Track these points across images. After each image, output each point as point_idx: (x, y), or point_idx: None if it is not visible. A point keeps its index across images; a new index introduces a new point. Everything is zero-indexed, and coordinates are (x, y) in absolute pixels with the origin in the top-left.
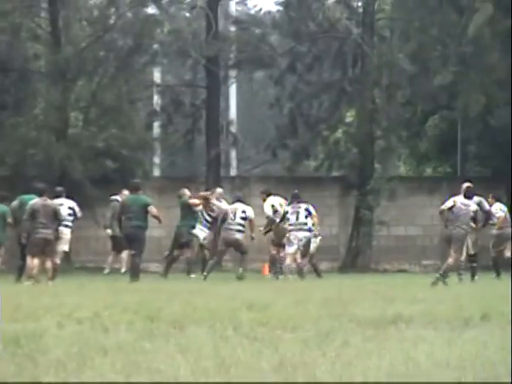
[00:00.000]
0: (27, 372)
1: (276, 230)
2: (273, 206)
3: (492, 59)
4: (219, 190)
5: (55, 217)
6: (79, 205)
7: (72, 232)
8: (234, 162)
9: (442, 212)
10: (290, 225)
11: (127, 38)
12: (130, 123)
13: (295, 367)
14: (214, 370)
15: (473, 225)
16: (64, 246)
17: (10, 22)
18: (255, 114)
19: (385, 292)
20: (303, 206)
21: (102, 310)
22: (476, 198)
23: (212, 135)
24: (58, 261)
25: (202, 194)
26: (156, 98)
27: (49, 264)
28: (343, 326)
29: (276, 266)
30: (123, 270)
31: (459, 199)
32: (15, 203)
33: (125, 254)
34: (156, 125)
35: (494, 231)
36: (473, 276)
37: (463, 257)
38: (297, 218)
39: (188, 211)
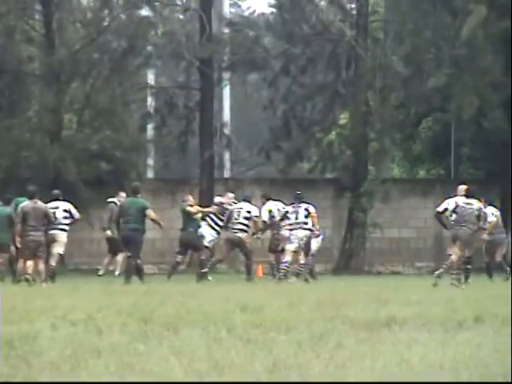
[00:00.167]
0: (21, 374)
1: (271, 237)
2: (270, 211)
3: (485, 61)
4: (230, 195)
5: (46, 219)
6: (75, 206)
7: (68, 235)
8: (227, 164)
9: (437, 214)
10: (290, 224)
11: (121, 40)
12: (123, 125)
13: (289, 369)
14: (207, 371)
15: (482, 225)
16: (59, 249)
17: (3, 24)
18: (249, 116)
19: (378, 294)
20: (303, 205)
21: (95, 312)
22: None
23: (206, 137)
24: (54, 263)
25: (218, 200)
26: (150, 100)
27: (41, 266)
28: (337, 328)
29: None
30: (117, 273)
31: (461, 200)
32: (11, 206)
33: (120, 257)
34: (150, 127)
35: (486, 236)
36: (466, 278)
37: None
38: (296, 218)
39: (188, 217)
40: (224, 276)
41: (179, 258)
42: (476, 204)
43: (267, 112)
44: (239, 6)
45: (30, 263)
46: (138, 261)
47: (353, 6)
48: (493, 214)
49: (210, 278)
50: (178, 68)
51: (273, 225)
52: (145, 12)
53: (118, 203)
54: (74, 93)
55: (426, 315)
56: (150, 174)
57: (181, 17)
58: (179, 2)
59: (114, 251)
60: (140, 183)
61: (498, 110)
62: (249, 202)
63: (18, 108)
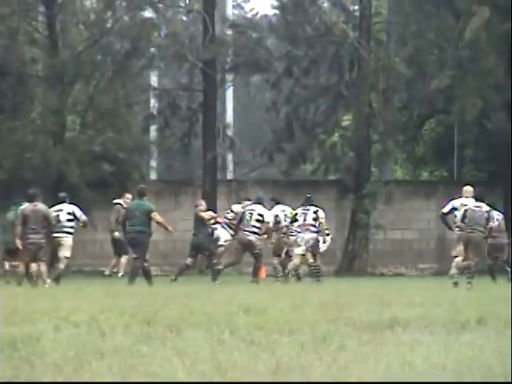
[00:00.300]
0: (24, 375)
1: (276, 242)
2: (276, 216)
3: (489, 63)
4: (248, 203)
5: (46, 222)
6: (81, 209)
7: (73, 238)
8: (230, 166)
9: (442, 215)
10: (298, 226)
11: (124, 42)
12: (126, 127)
13: (292, 371)
14: (210, 373)
15: (492, 224)
16: (66, 253)
17: (7, 26)
18: (252, 117)
19: (381, 296)
20: (313, 209)
21: (98, 314)
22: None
23: (208, 139)
24: (62, 266)
25: (236, 209)
26: (153, 102)
27: (43, 268)
28: (340, 330)
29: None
30: (120, 274)
31: (467, 201)
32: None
33: (124, 259)
34: (153, 128)
35: (488, 240)
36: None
37: (460, 259)
38: (304, 219)
39: (200, 222)
40: (228, 278)
41: (189, 260)
42: (485, 206)
43: (270, 114)
44: (242, 8)
45: (34, 265)
46: (146, 264)
47: (356, 7)
48: (496, 218)
49: (218, 281)
50: (181, 70)
51: (277, 230)
52: (148, 14)
53: (124, 205)
54: (77, 94)
55: (428, 317)
56: (153, 176)
57: (184, 18)
58: (182, 4)
59: (118, 253)
60: (144, 185)
61: (501, 112)
62: (262, 204)
63: (21, 110)
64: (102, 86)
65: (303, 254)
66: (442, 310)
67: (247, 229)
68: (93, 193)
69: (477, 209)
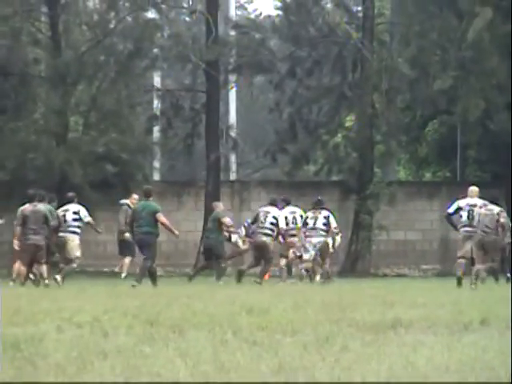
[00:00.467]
0: (27, 376)
1: (283, 243)
2: (286, 217)
3: (491, 64)
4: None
5: (46, 222)
6: (86, 209)
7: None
8: (233, 167)
9: (448, 216)
10: (308, 230)
11: (127, 43)
12: (129, 127)
13: (294, 371)
14: (213, 374)
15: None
16: (76, 253)
17: (10, 27)
18: (255, 118)
19: (384, 296)
20: (324, 213)
21: (101, 314)
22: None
23: (212, 139)
24: (75, 265)
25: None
26: (156, 103)
27: (43, 268)
28: (342, 331)
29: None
30: (123, 275)
31: (473, 201)
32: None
33: (127, 260)
34: (156, 129)
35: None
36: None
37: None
38: (314, 223)
39: (217, 225)
40: (231, 278)
41: (205, 262)
42: (496, 208)
43: (273, 114)
44: (245, 9)
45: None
46: (147, 264)
47: (359, 8)
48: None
49: (221, 282)
50: (184, 70)
51: (286, 231)
52: (151, 14)
53: (131, 205)
54: (80, 95)
55: (431, 318)
56: (156, 177)
57: (187, 19)
58: (185, 5)
59: (123, 254)
60: (150, 186)
61: (504, 112)
62: (275, 205)
63: (24, 110)
64: (105, 87)
65: (313, 259)
66: (445, 310)
67: (261, 231)
68: (96, 193)
69: (488, 212)
